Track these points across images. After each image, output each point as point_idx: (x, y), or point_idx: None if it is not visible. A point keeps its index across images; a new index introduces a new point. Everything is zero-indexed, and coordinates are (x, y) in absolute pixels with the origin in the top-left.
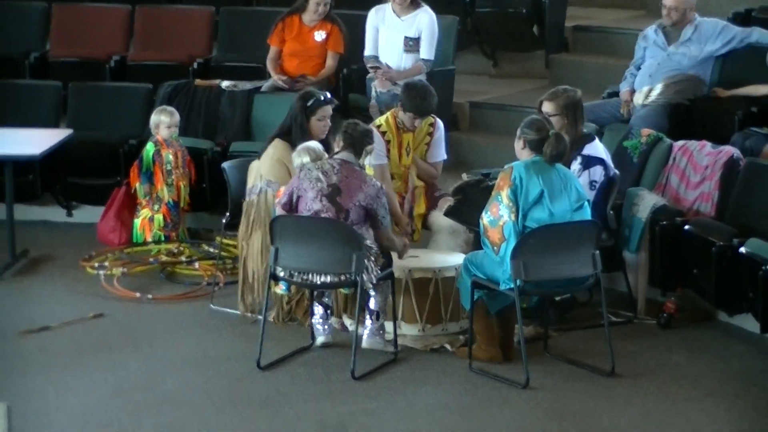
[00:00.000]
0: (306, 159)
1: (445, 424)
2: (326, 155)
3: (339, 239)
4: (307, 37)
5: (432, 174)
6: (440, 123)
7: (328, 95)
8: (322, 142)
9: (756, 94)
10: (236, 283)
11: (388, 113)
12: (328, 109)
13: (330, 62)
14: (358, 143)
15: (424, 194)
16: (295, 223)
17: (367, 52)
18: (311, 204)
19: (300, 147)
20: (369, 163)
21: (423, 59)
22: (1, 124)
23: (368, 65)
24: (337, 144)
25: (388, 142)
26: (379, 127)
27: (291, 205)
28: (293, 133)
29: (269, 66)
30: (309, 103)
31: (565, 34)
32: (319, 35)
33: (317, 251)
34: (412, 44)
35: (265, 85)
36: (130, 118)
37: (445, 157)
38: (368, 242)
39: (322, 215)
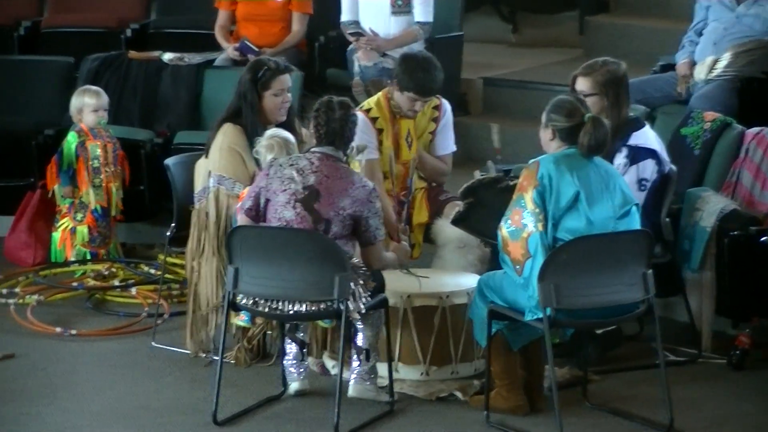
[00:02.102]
0: (274, 155)
1: None
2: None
3: (317, 256)
4: None
5: (441, 170)
6: (447, 105)
7: (285, 62)
8: (283, 125)
9: None
10: (184, 314)
11: (380, 94)
12: (285, 80)
13: (296, 27)
14: (339, 132)
15: (426, 198)
16: (259, 235)
17: (344, 17)
18: (282, 211)
19: (266, 136)
20: (356, 157)
21: (418, 22)
22: None
23: (347, 33)
24: (311, 134)
25: (379, 131)
26: (368, 111)
27: (257, 212)
28: (244, 115)
29: (218, 35)
30: (260, 74)
31: None
32: None
33: (289, 272)
34: (401, 4)
35: (219, 57)
36: (45, 100)
37: (454, 148)
38: (355, 260)
39: (296, 225)
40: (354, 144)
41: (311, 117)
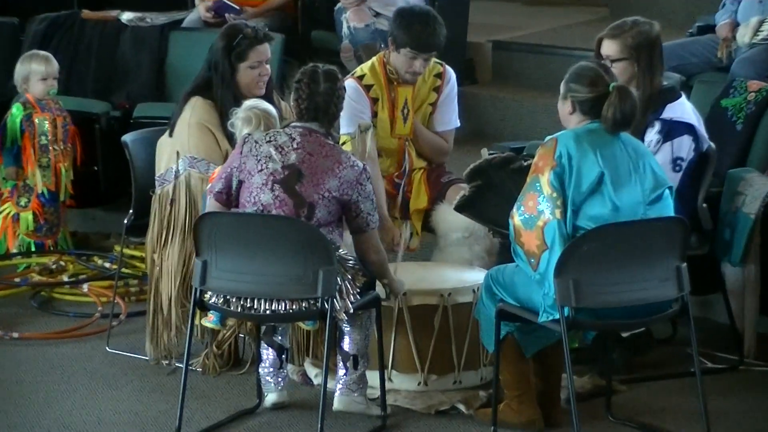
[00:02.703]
0: (252, 129)
1: None
2: (276, 119)
3: (298, 247)
4: None
5: (441, 148)
6: (451, 73)
7: (264, 28)
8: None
9: None
10: (144, 314)
11: (374, 58)
12: (264, 50)
13: None
14: (323, 107)
15: (426, 180)
16: (232, 223)
17: None
18: (258, 194)
19: (242, 108)
20: (347, 132)
21: None
22: None
23: None
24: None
25: (375, 100)
26: (361, 78)
27: (229, 196)
28: (215, 88)
29: None
30: (235, 43)
31: None
32: None
33: (265, 266)
34: None
35: (188, 17)
36: None
37: (457, 123)
38: (342, 252)
39: (274, 211)
40: (359, 122)
41: (292, 88)
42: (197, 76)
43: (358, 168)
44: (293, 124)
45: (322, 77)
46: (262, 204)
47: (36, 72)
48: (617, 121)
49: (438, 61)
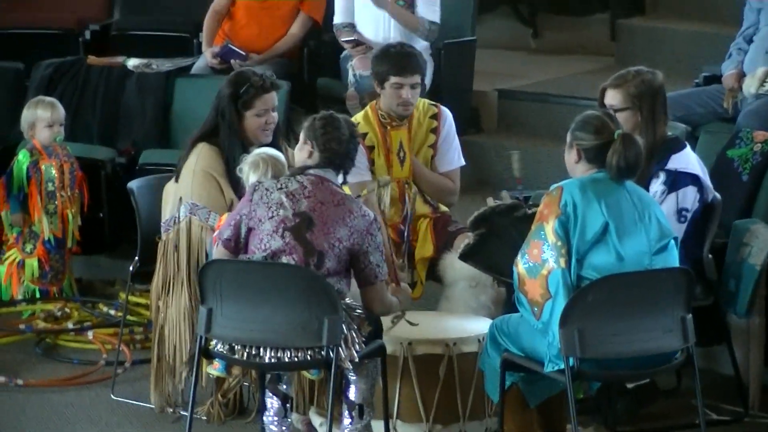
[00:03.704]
0: (260, 174)
1: None
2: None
3: (303, 296)
4: None
5: (447, 188)
6: (447, 112)
7: (272, 77)
8: (267, 147)
9: None
10: (149, 362)
11: (367, 107)
12: (271, 99)
13: (296, 30)
14: (342, 154)
15: (432, 228)
16: (237, 270)
17: (338, 18)
18: (268, 240)
19: (252, 156)
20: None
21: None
22: None
23: (341, 38)
24: (306, 149)
25: (370, 148)
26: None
27: (237, 243)
28: (221, 135)
29: (207, 21)
30: (241, 91)
31: None
32: None
33: (271, 314)
34: (403, 4)
35: (196, 64)
36: None
37: (462, 161)
38: (349, 300)
39: (284, 258)
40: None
41: (317, 134)
42: (204, 122)
43: (369, 217)
44: (309, 171)
45: (344, 123)
46: (272, 249)
47: (42, 118)
48: (621, 168)
49: (432, 102)
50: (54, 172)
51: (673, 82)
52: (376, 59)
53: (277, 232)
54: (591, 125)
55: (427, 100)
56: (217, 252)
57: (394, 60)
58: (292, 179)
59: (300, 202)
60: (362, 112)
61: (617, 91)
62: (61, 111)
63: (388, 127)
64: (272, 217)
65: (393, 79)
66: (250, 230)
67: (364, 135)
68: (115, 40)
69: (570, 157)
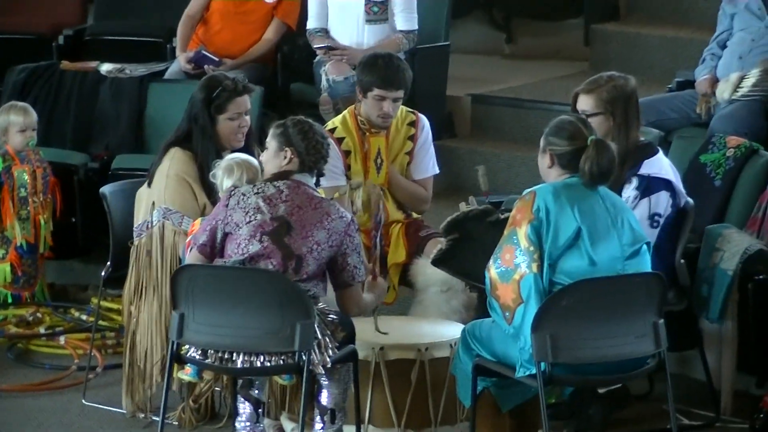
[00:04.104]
0: (234, 179)
1: None
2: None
3: (276, 300)
4: None
5: (420, 196)
6: (425, 120)
7: (244, 80)
8: (240, 151)
9: None
10: (121, 367)
11: (346, 111)
12: (244, 102)
13: (270, 35)
14: (322, 157)
15: (404, 234)
16: (210, 276)
17: (311, 23)
18: (246, 245)
19: (225, 161)
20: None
21: (401, 31)
22: None
23: (314, 44)
24: (283, 156)
25: (347, 153)
26: (332, 131)
27: (213, 248)
28: (194, 140)
29: (181, 26)
30: (214, 95)
31: None
32: None
33: (243, 319)
34: (377, 11)
35: (170, 69)
36: None
37: (437, 170)
38: (322, 305)
39: (263, 262)
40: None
41: (296, 140)
42: (177, 127)
43: (346, 219)
44: (292, 177)
45: (317, 127)
46: (250, 254)
47: (15, 123)
48: (594, 174)
49: (410, 110)
50: (26, 177)
51: (647, 88)
52: (362, 67)
53: (255, 237)
54: (564, 131)
55: (405, 107)
56: (191, 257)
57: (381, 72)
58: (269, 184)
59: (278, 207)
60: (340, 117)
61: (589, 96)
62: (33, 116)
63: (367, 134)
64: (250, 221)
65: (376, 91)
66: (226, 235)
67: (341, 140)
68: (89, 45)
69: (543, 162)
